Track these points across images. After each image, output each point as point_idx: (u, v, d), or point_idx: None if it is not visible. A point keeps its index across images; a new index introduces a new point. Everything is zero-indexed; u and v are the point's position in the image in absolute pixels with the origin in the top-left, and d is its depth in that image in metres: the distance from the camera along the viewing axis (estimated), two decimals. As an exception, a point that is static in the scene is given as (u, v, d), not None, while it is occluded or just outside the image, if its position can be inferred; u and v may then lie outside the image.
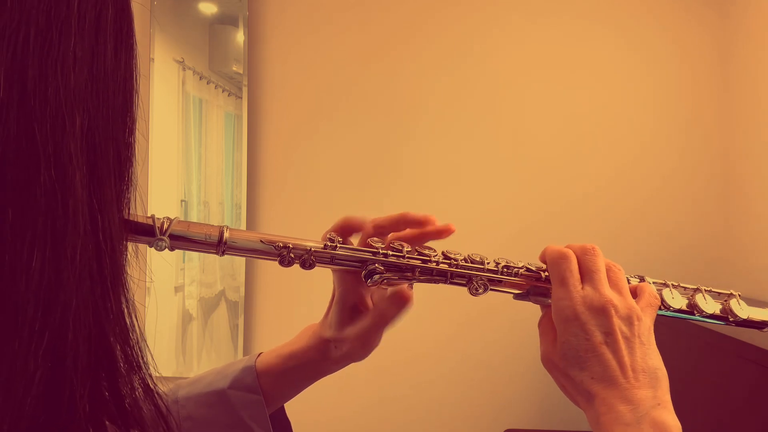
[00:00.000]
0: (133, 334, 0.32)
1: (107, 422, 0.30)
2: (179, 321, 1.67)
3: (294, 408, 0.60)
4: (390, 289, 0.51)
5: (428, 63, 1.68)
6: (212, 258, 1.67)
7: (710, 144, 1.66)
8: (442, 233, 0.52)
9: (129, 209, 0.34)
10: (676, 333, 1.11)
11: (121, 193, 0.33)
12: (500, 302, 1.64)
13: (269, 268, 1.69)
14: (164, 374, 1.70)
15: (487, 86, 1.68)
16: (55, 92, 0.28)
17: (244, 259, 1.67)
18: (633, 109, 1.67)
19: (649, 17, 1.66)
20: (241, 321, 1.67)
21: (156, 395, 0.33)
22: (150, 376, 0.33)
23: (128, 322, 0.32)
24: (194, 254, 1.68)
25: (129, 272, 0.34)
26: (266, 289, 1.70)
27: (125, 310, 0.32)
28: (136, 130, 0.34)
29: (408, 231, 0.52)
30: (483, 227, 1.65)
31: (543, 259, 0.51)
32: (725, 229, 1.63)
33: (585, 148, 1.67)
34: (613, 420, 0.43)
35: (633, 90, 1.67)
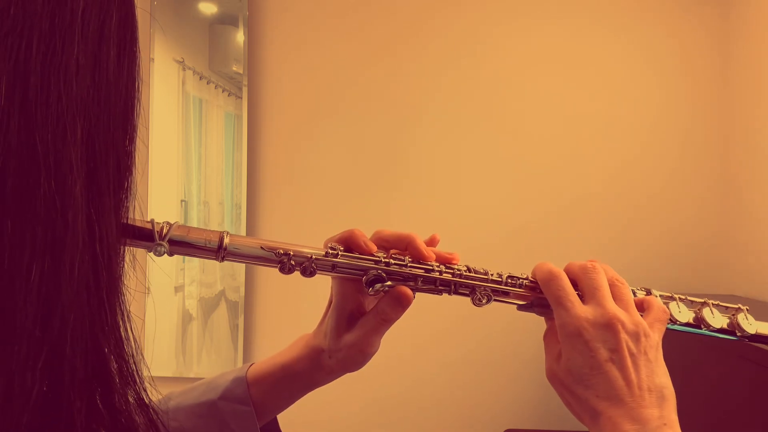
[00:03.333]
0: (128, 347, 0.32)
1: None
2: (179, 321, 1.67)
3: (286, 410, 0.59)
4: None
5: (428, 63, 1.68)
6: (212, 258, 1.67)
7: (710, 145, 1.66)
8: (447, 261, 0.51)
9: (127, 217, 0.34)
10: (676, 332, 1.11)
11: (120, 202, 0.32)
12: (499, 303, 1.64)
13: (269, 268, 1.69)
14: (164, 374, 1.70)
15: (488, 87, 1.68)
16: (57, 100, 0.27)
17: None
18: (633, 110, 1.67)
19: (650, 19, 1.66)
20: (241, 321, 1.67)
21: (150, 409, 0.33)
22: (144, 389, 0.33)
23: (123, 335, 0.32)
24: (194, 254, 1.68)
25: (126, 282, 0.33)
26: (266, 289, 1.70)
27: (121, 323, 0.32)
28: (137, 138, 0.34)
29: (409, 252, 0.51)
30: (483, 227, 1.65)
31: (534, 279, 0.50)
32: (725, 230, 1.63)
33: (586, 148, 1.67)
34: None
35: (633, 91, 1.67)
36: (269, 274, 1.70)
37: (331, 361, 0.53)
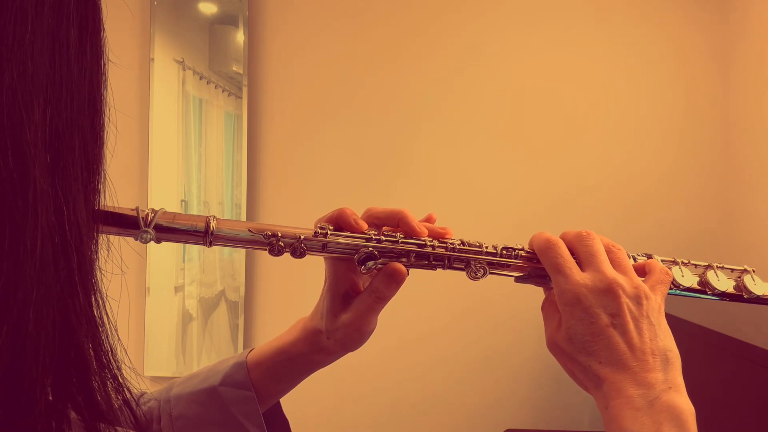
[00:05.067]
0: (102, 329, 0.31)
1: (77, 417, 0.30)
2: (179, 321, 1.67)
3: (284, 402, 0.59)
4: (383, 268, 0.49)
5: (428, 63, 1.68)
6: (212, 258, 1.67)
7: (708, 142, 1.66)
8: (440, 236, 0.50)
9: (99, 201, 0.33)
10: (676, 333, 1.11)
11: (90, 185, 0.32)
12: (499, 299, 1.65)
13: (269, 268, 1.69)
14: (164, 374, 1.70)
15: (488, 87, 1.68)
16: (10, 80, 0.27)
17: (244, 258, 1.67)
18: (633, 109, 1.67)
19: (651, 21, 1.66)
20: (241, 321, 1.67)
21: (126, 390, 0.33)
22: (119, 369, 0.32)
23: (98, 316, 0.31)
24: (194, 254, 1.68)
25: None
26: (266, 289, 1.70)
27: (94, 304, 0.31)
28: (107, 120, 0.33)
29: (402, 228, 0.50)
30: (481, 225, 1.65)
31: (532, 249, 0.49)
32: (724, 227, 1.63)
33: (586, 147, 1.67)
34: (623, 405, 0.42)
35: (634, 93, 1.67)
36: (269, 274, 1.70)
37: (329, 341, 0.52)
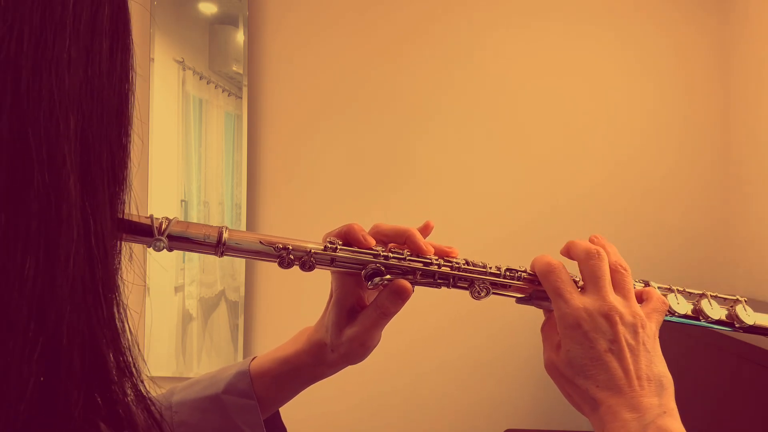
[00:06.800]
0: (124, 340, 0.32)
1: (103, 425, 0.30)
2: (179, 321, 1.67)
3: (286, 405, 0.60)
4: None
5: (429, 64, 1.68)
6: (212, 258, 1.67)
7: (709, 143, 1.66)
8: (446, 254, 0.51)
9: (123, 211, 0.34)
10: (676, 333, 1.11)
11: (115, 196, 0.32)
12: (499, 299, 1.64)
13: (269, 268, 1.69)
14: (164, 374, 1.70)
15: (489, 88, 1.68)
16: (49, 94, 0.27)
17: (244, 259, 1.67)
18: (633, 109, 1.67)
19: (652, 21, 1.66)
20: (241, 321, 1.67)
21: (148, 401, 0.33)
22: (142, 381, 0.33)
23: (120, 327, 0.32)
24: (194, 254, 1.69)
25: (124, 276, 0.33)
26: (266, 289, 1.70)
27: (117, 315, 0.32)
28: (132, 132, 0.33)
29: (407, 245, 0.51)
30: (482, 226, 1.65)
31: (534, 272, 0.51)
32: (724, 228, 1.63)
33: (586, 148, 1.67)
34: (618, 428, 0.43)
35: (633, 90, 1.67)
36: (269, 274, 1.70)
37: (333, 355, 0.53)
